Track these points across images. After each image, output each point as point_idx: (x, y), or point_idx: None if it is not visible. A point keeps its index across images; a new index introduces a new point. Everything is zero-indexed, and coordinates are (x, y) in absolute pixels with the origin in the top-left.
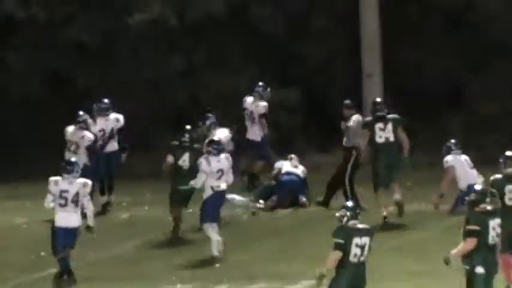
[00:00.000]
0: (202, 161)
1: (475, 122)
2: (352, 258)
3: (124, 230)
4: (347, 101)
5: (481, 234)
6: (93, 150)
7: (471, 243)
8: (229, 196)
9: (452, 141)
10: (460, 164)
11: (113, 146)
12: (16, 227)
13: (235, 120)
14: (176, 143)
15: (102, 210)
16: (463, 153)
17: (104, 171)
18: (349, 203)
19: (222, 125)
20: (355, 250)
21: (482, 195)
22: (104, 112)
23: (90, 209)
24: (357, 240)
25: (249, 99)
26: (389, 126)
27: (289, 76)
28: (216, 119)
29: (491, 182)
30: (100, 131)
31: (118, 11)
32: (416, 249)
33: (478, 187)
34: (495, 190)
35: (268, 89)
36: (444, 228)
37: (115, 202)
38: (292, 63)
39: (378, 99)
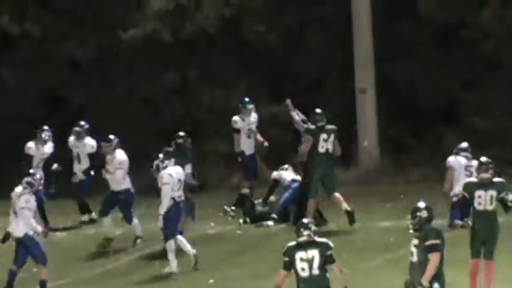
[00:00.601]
0: (164, 174)
1: (469, 138)
2: (302, 273)
3: (118, 245)
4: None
5: (441, 248)
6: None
7: (437, 257)
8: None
9: (465, 145)
10: (459, 168)
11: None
12: (6, 244)
13: (229, 136)
14: (169, 149)
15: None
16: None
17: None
18: (304, 220)
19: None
20: (301, 265)
21: (431, 210)
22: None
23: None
24: (301, 254)
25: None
26: (332, 137)
27: (282, 92)
28: (118, 142)
29: (464, 186)
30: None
31: (112, 27)
32: None
33: (422, 204)
34: (467, 194)
35: (250, 106)
36: None
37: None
38: (286, 79)
39: (318, 110)
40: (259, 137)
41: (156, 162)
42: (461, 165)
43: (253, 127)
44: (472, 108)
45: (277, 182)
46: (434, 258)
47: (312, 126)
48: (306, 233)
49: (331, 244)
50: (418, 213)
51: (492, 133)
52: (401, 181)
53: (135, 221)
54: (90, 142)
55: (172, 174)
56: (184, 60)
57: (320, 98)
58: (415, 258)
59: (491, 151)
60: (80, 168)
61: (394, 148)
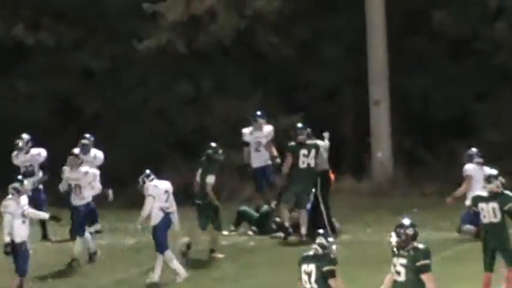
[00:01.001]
0: (149, 186)
1: (483, 150)
2: (305, 285)
3: (130, 256)
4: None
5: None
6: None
7: (432, 276)
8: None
9: (474, 150)
10: (478, 176)
11: None
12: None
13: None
14: (203, 158)
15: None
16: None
17: None
18: (320, 231)
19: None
20: (303, 277)
21: (416, 227)
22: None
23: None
24: (304, 267)
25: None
26: (313, 152)
27: (296, 103)
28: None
29: (471, 199)
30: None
31: (126, 37)
32: None
33: (407, 221)
34: (475, 208)
35: (261, 120)
36: (442, 258)
37: (119, 228)
38: (300, 90)
39: (300, 125)
40: (274, 152)
41: (141, 176)
42: (478, 171)
43: (263, 141)
44: (485, 120)
45: None
46: (431, 278)
47: (292, 143)
48: (313, 246)
49: (335, 260)
50: (403, 231)
51: (506, 145)
52: (415, 193)
53: (82, 238)
54: (98, 154)
55: (158, 186)
56: (198, 71)
57: (334, 109)
58: (402, 278)
59: (504, 163)
60: None
61: (408, 160)
